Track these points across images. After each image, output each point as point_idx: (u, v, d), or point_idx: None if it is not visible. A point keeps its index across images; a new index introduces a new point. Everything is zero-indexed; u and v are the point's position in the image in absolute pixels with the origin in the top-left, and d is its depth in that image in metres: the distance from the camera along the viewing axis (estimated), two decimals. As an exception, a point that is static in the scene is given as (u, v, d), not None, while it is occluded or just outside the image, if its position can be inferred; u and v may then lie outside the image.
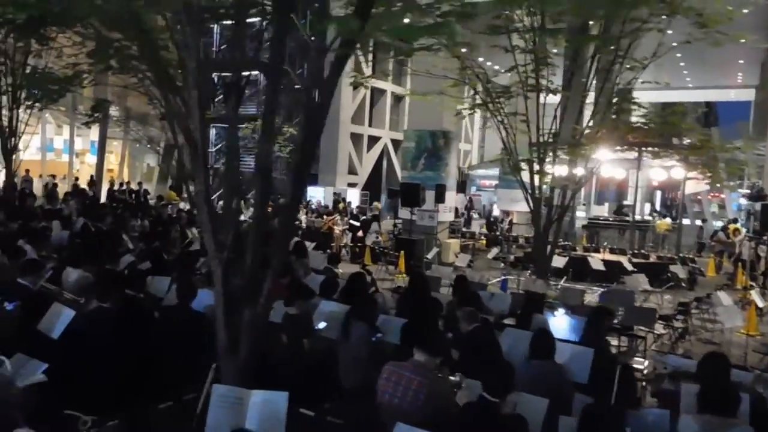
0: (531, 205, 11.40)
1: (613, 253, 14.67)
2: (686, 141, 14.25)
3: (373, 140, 26.15)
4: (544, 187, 11.12)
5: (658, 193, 33.42)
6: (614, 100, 10.95)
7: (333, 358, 5.46)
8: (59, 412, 3.46)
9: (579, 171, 11.67)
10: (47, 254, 7.82)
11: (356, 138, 25.07)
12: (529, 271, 13.23)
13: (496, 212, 25.08)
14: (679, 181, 18.32)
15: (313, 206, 19.35)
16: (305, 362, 5.24)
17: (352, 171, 24.92)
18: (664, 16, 9.28)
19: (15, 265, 6.24)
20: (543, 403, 3.88)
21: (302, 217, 15.97)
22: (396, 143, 27.13)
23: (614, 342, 7.75)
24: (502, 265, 13.65)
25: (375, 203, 22.21)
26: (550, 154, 11.18)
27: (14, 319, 5.07)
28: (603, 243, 16.07)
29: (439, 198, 14.95)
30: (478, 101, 11.64)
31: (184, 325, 5.37)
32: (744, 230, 19.78)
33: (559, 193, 11.29)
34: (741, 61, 28.78)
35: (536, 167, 11.05)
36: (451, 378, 4.04)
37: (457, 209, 20.09)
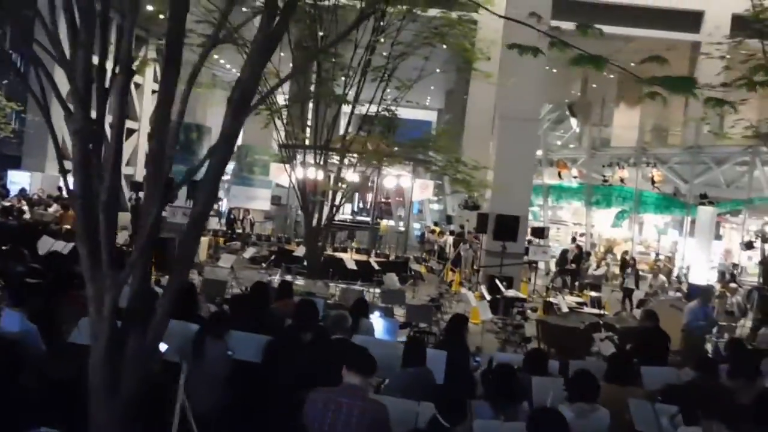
0: (302, 206, 11.67)
1: (359, 253, 15.75)
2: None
3: (90, 122, 23.12)
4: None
5: (356, 195, 36.77)
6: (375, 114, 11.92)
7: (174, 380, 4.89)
8: None
9: (350, 176, 12.37)
10: None
11: (71, 118, 21.95)
12: (280, 270, 13.48)
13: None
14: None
15: (32, 195, 16.23)
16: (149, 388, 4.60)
17: (65, 156, 21.63)
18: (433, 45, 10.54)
19: None
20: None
21: (25, 208, 13.33)
22: (128, 131, 24.51)
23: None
24: (264, 265, 13.53)
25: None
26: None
27: None
28: (348, 243, 17.09)
29: (191, 194, 14.10)
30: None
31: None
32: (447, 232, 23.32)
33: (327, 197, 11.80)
34: (432, 87, 33.41)
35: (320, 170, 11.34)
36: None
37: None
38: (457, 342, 6.11)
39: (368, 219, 23.02)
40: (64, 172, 3.99)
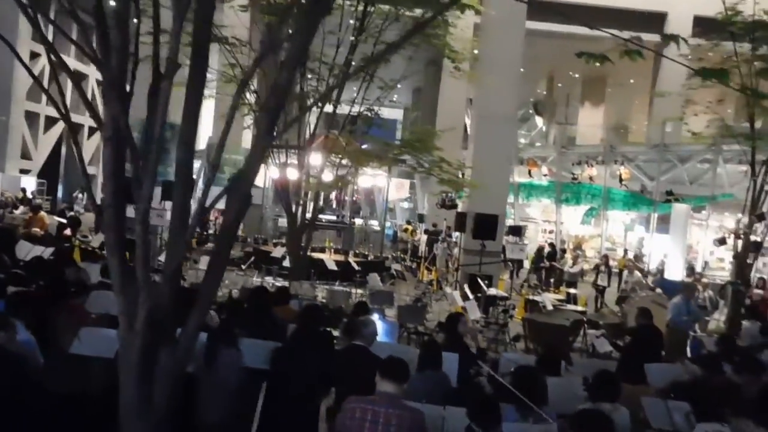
0: (285, 207, 11.56)
1: (338, 253, 15.67)
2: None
3: (52, 121, 22.34)
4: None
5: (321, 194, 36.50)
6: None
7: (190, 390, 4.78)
8: None
9: (326, 176, 12.28)
10: None
11: (32, 117, 21.12)
12: (257, 272, 13.31)
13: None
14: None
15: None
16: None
17: (25, 155, 20.90)
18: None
19: None
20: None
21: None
22: (79, 127, 23.74)
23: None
24: (243, 267, 13.31)
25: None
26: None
27: None
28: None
29: (166, 195, 13.75)
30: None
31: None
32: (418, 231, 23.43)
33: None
34: (399, 86, 33.49)
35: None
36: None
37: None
38: (456, 341, 6.12)
39: (333, 217, 22.94)
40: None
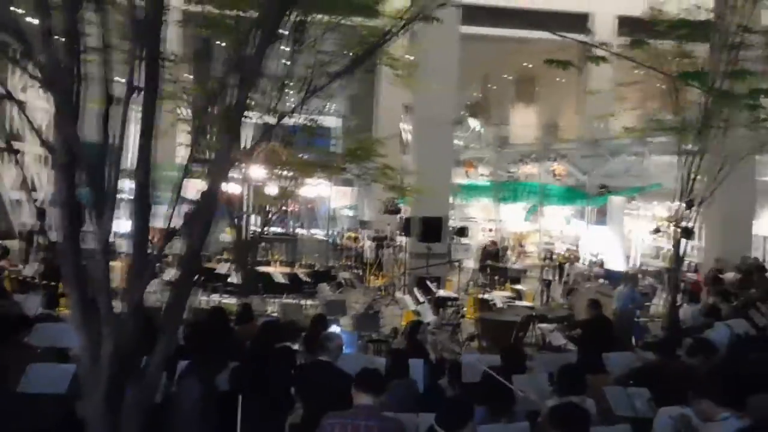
0: (230, 221, 11.35)
1: (284, 265, 15.47)
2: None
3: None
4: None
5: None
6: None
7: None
8: None
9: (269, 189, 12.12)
10: None
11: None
12: (201, 290, 12.97)
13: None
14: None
15: None
16: None
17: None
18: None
19: None
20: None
21: None
22: (-1, 150, 22.45)
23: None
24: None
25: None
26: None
27: None
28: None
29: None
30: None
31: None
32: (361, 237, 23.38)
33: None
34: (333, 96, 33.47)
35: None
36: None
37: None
38: (417, 348, 6.17)
39: (277, 229, 22.53)
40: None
